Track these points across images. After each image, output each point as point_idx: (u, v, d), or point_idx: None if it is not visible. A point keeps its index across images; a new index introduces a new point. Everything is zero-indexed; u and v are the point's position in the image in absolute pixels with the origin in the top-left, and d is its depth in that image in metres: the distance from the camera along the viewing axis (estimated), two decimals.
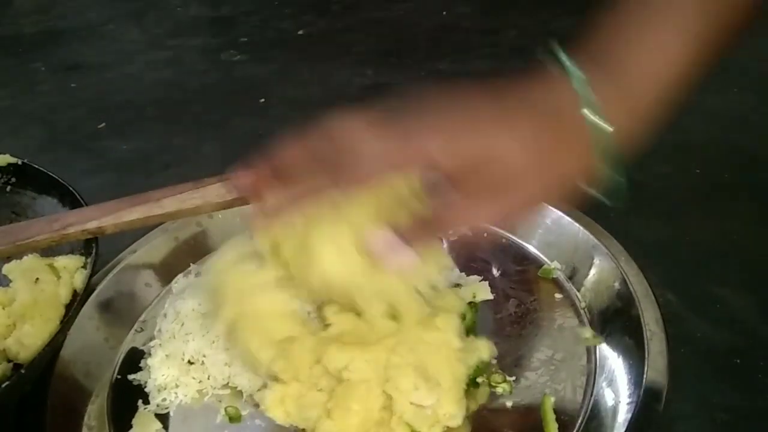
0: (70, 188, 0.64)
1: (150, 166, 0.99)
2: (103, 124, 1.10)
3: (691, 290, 0.65)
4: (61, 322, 0.57)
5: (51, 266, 0.62)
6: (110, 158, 1.02)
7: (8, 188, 0.69)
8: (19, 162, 0.68)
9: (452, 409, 0.51)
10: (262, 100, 1.18)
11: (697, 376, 0.56)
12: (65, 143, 1.08)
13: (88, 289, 0.59)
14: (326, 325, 0.54)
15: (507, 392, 0.55)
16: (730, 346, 0.59)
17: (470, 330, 0.58)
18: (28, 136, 1.10)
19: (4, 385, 0.48)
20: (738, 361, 0.58)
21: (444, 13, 1.50)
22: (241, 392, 0.57)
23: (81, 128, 1.12)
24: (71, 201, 0.64)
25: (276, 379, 0.53)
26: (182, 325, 0.60)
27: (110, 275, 0.65)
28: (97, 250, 0.60)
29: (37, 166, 0.68)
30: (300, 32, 1.49)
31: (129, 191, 0.91)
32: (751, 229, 0.73)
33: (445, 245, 0.70)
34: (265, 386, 0.54)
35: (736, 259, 0.69)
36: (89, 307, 0.61)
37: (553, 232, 0.69)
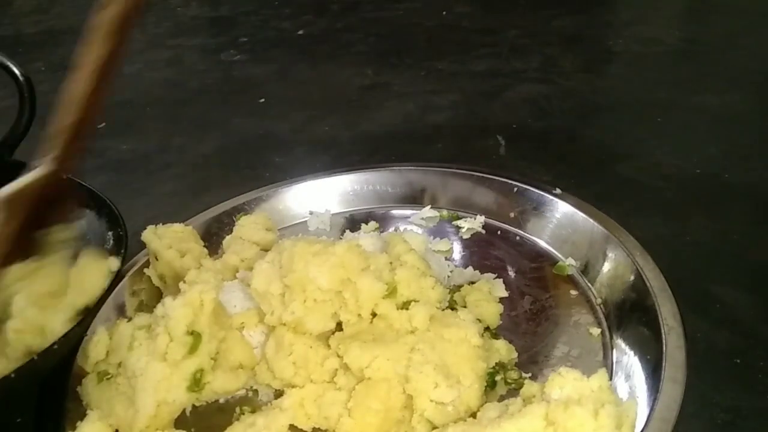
0: (108, 201, 0.66)
1: (150, 165, 0.99)
2: (103, 124, 1.10)
3: (691, 290, 0.65)
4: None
5: None
6: (110, 158, 1.02)
7: None
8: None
9: (474, 405, 0.50)
10: (262, 100, 1.18)
11: (696, 375, 0.56)
12: None
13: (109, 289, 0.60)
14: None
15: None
16: (730, 346, 0.59)
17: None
18: (28, 136, 1.10)
19: (19, 368, 0.49)
20: (738, 361, 0.58)
21: (444, 13, 1.50)
22: (256, 391, 0.57)
23: None
24: (108, 213, 0.66)
25: (291, 385, 0.53)
26: None
27: (124, 279, 0.65)
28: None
29: (78, 180, 0.68)
30: (300, 32, 1.49)
31: (129, 191, 0.92)
32: (751, 229, 0.73)
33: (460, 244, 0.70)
34: (281, 394, 0.54)
35: (736, 259, 0.69)
36: (105, 310, 0.61)
37: (566, 228, 0.68)
